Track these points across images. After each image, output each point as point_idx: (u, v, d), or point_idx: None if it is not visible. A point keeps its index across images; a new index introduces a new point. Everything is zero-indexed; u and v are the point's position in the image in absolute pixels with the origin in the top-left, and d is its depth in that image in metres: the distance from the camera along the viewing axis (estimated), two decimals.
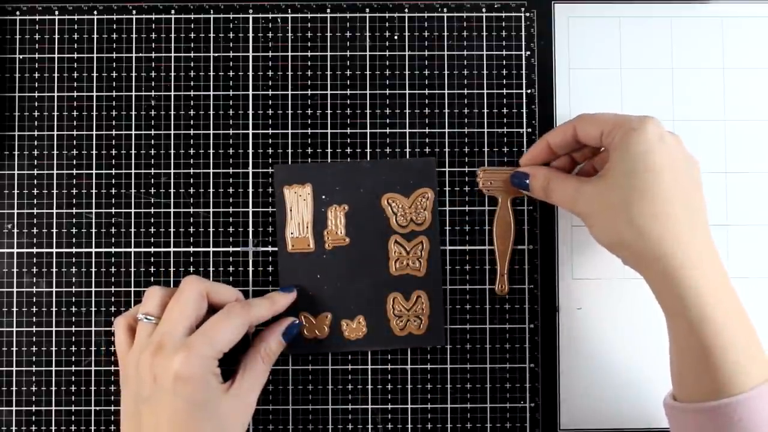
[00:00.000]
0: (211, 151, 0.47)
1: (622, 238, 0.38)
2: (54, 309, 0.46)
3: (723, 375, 0.35)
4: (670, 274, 0.36)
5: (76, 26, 0.47)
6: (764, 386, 0.35)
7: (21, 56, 0.47)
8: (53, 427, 0.46)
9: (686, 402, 0.37)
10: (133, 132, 0.47)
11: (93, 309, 0.46)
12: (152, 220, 0.46)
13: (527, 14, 0.47)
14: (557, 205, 0.45)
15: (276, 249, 0.46)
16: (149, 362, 0.38)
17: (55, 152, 0.47)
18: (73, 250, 0.46)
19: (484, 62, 0.47)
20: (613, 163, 0.38)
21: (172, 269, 0.46)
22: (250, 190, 0.47)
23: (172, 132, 0.47)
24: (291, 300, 0.45)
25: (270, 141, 0.47)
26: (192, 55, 0.47)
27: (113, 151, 0.47)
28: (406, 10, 0.47)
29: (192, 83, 0.47)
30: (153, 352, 0.38)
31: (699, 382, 0.36)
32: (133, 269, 0.46)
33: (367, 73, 0.47)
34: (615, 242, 0.39)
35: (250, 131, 0.47)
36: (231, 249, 0.47)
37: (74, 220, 0.46)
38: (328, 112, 0.47)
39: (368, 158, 0.47)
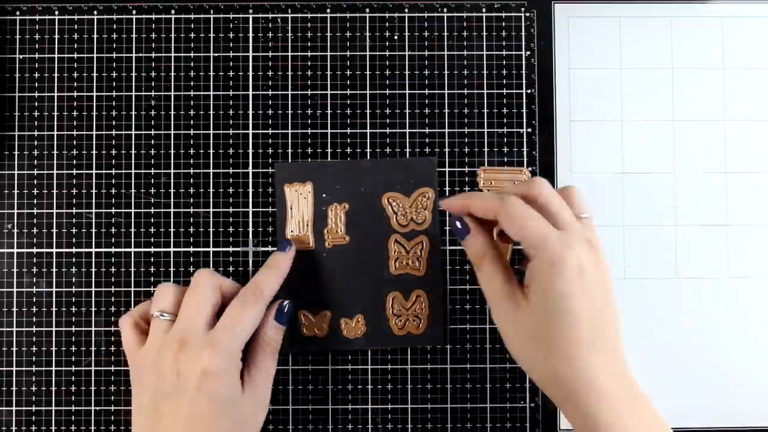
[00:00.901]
0: (211, 151, 0.47)
1: (534, 368, 0.37)
2: (54, 309, 0.46)
3: None
4: (583, 406, 0.35)
5: (76, 26, 0.47)
6: None
7: (21, 56, 0.47)
8: (53, 427, 0.46)
9: None
10: (133, 132, 0.47)
11: (93, 309, 0.46)
12: (152, 220, 0.46)
13: (527, 14, 0.47)
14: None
15: (276, 249, 0.46)
16: (172, 359, 0.38)
17: (55, 152, 0.47)
18: (73, 250, 0.46)
19: (484, 62, 0.47)
20: (534, 298, 0.36)
21: (172, 269, 0.46)
22: (250, 190, 0.47)
23: (172, 132, 0.47)
24: (292, 257, 0.44)
25: (270, 141, 0.47)
26: (192, 55, 0.47)
27: (113, 151, 0.47)
28: (406, 10, 0.47)
29: (192, 83, 0.47)
30: (177, 348, 0.38)
31: None
32: (133, 269, 0.46)
33: (367, 73, 0.47)
34: (528, 369, 0.38)
35: (250, 131, 0.47)
36: (231, 249, 0.47)
37: (74, 220, 0.46)
38: (328, 112, 0.47)
39: (368, 158, 0.47)
